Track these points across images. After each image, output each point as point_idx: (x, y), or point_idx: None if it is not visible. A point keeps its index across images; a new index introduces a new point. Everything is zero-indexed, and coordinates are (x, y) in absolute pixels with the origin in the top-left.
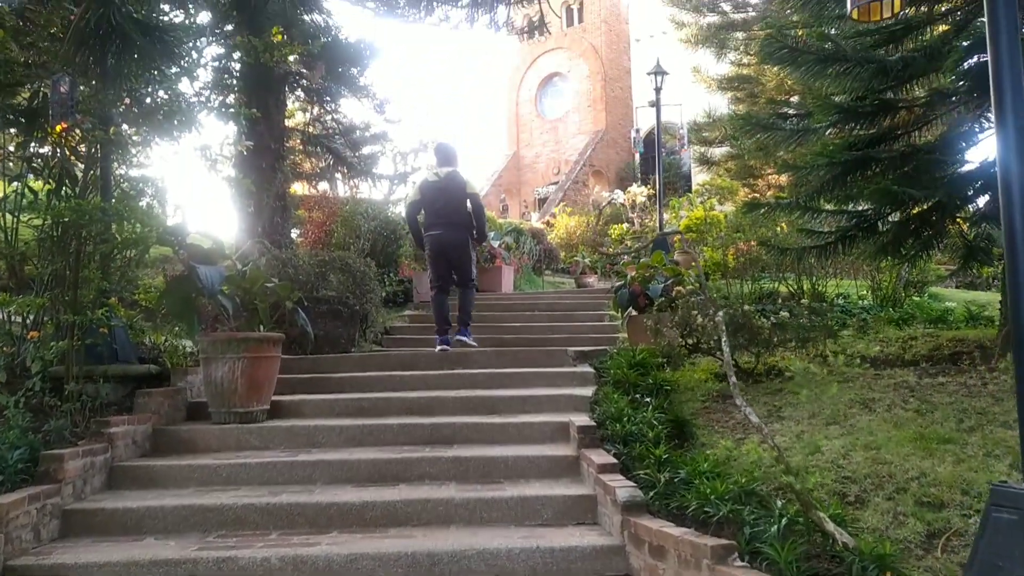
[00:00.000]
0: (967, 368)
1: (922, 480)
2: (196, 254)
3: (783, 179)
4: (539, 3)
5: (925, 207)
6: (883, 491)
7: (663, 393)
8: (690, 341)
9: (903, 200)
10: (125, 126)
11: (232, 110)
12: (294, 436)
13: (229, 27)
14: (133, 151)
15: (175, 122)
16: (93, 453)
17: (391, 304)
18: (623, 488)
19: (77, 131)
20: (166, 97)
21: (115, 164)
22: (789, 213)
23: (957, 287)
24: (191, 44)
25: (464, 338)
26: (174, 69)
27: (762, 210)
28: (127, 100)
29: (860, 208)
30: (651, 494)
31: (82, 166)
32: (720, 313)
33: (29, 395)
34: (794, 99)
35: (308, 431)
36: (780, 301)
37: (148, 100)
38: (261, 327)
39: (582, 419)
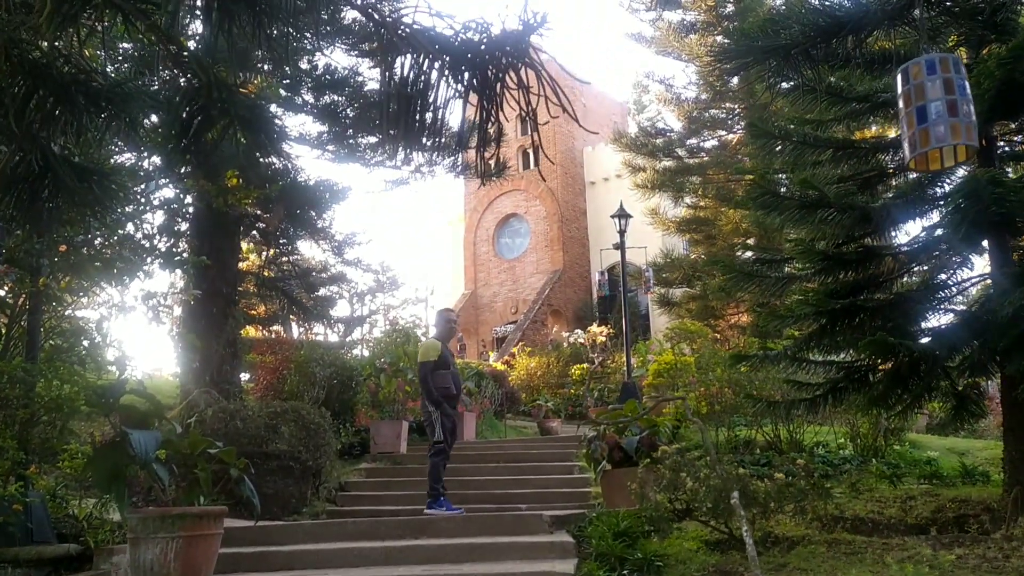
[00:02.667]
0: (980, 536)
1: None
2: (130, 417)
3: (745, 319)
4: (534, 139)
5: (912, 357)
6: None
7: (654, 570)
8: (678, 506)
9: (896, 351)
10: (60, 274)
11: (178, 258)
12: None
13: (184, 168)
14: (67, 302)
15: (114, 271)
16: None
17: (347, 456)
18: None
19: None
20: (105, 246)
21: (46, 316)
22: (776, 364)
23: (929, 432)
24: (137, 189)
25: (429, 511)
26: (114, 216)
27: (750, 362)
28: (62, 247)
29: (850, 359)
30: None
31: (5, 320)
32: (736, 494)
33: None
34: (750, 241)
35: None
36: (759, 451)
37: (84, 249)
38: (201, 499)
39: None
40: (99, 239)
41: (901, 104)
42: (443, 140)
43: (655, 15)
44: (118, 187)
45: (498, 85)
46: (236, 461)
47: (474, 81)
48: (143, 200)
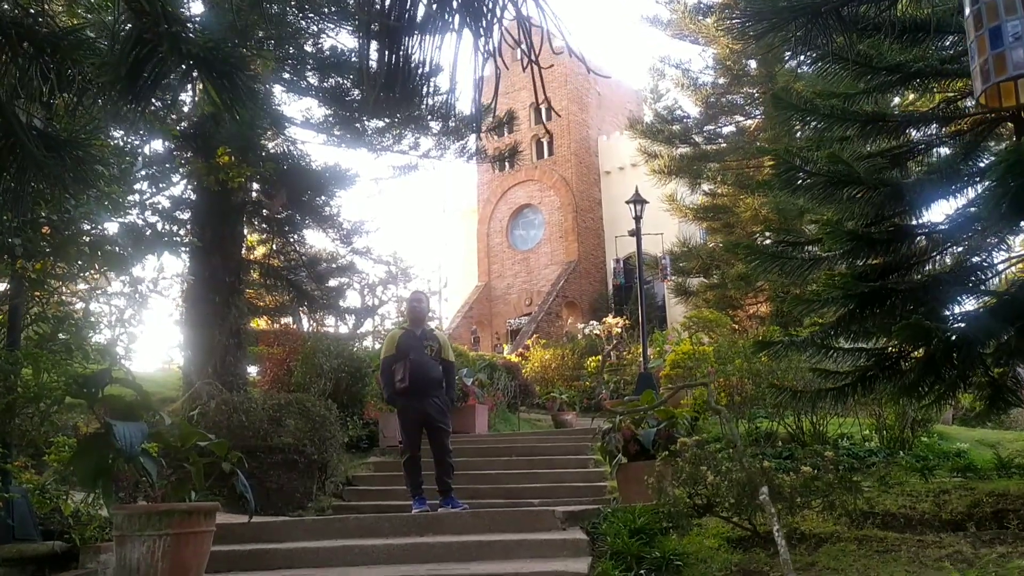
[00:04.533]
0: (1021, 532)
1: None
2: (116, 408)
3: (764, 309)
4: (545, 126)
5: (948, 343)
6: None
7: (673, 569)
8: (698, 501)
9: (931, 336)
10: (40, 256)
11: (167, 240)
12: None
13: (187, 154)
14: (53, 286)
15: (99, 254)
16: None
17: (355, 449)
18: None
19: None
20: (91, 229)
21: (32, 302)
22: (802, 351)
23: (955, 423)
24: (123, 166)
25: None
26: (94, 194)
27: (775, 349)
28: (45, 228)
29: (880, 346)
30: None
31: None
32: (765, 489)
33: None
34: (769, 230)
35: None
36: (780, 444)
37: (70, 230)
38: (192, 494)
39: None
40: (87, 223)
41: (970, 28)
42: (429, 88)
43: None
44: (101, 163)
45: (495, 25)
46: (229, 454)
47: (467, 18)
48: (134, 180)
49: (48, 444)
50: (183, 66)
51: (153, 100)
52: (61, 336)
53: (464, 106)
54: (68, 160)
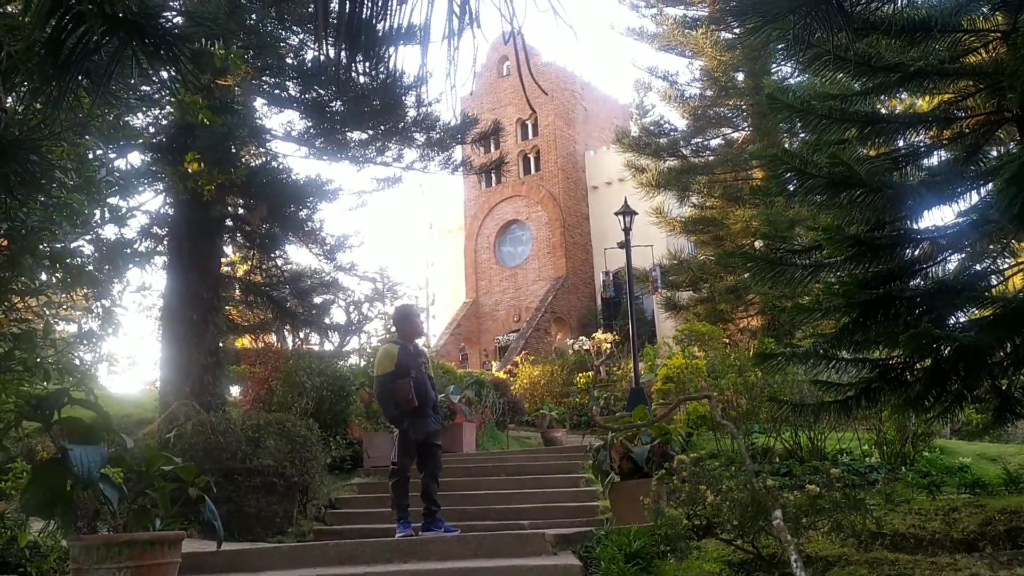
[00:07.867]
0: None
1: None
2: (75, 430)
3: (755, 323)
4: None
5: (958, 350)
6: None
7: None
8: (697, 522)
9: (941, 345)
10: None
11: (129, 251)
12: None
13: (162, 168)
14: (11, 302)
15: (57, 266)
16: None
17: (338, 470)
18: None
19: None
20: (53, 243)
21: None
22: (804, 362)
23: (953, 437)
24: (87, 174)
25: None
26: (52, 199)
27: (776, 361)
28: (2, 241)
29: (883, 357)
30: None
31: None
32: (778, 513)
33: None
34: (758, 244)
35: None
36: (778, 460)
37: (22, 241)
38: (157, 522)
39: None
40: (47, 233)
41: None
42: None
43: (656, 11)
44: (60, 169)
45: None
46: (197, 479)
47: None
48: (99, 190)
49: (5, 471)
50: (115, 36)
51: (82, 77)
52: (18, 354)
53: (448, 116)
54: (13, 161)
